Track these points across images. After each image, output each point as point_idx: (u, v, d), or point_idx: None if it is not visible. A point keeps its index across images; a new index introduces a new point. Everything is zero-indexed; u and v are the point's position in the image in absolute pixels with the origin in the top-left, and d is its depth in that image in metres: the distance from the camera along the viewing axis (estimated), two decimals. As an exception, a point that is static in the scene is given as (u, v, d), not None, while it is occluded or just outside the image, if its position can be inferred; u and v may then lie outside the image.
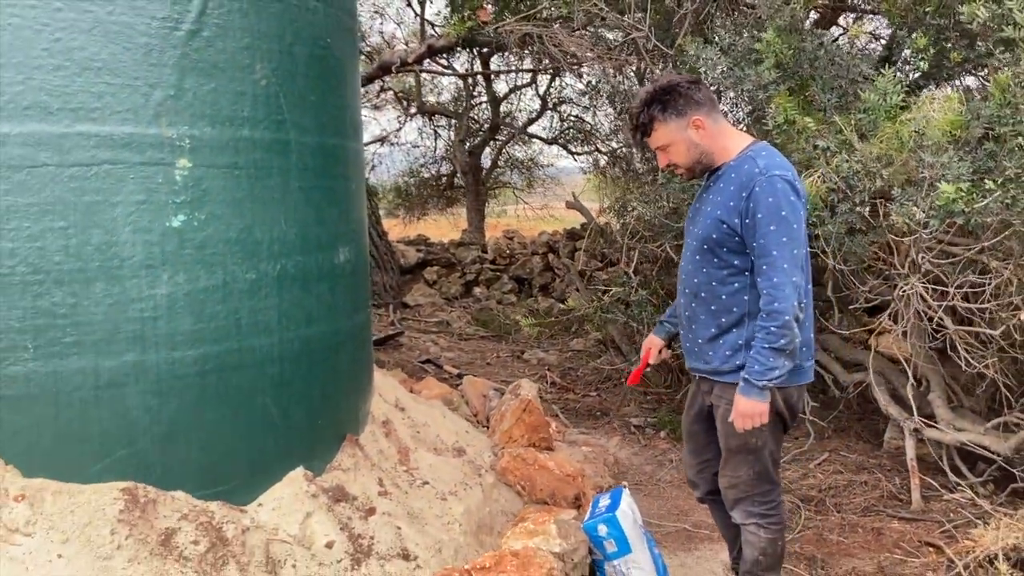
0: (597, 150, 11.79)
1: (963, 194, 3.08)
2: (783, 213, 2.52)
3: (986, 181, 3.13)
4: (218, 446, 2.75)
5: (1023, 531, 3.02)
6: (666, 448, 5.11)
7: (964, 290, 3.69)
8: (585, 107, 12.84)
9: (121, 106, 2.48)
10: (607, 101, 10.54)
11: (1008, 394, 3.94)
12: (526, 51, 5.98)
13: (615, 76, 5.74)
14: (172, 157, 2.57)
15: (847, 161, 3.49)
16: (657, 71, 5.21)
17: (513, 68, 11.63)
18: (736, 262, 2.65)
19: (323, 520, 2.88)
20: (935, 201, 3.18)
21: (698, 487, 3.12)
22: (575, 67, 6.21)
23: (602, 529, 3.07)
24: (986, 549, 3.12)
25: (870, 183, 3.48)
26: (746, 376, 2.58)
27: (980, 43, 3.55)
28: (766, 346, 2.54)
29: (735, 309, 2.67)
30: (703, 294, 2.73)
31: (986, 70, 4.15)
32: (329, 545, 2.81)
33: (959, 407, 4.42)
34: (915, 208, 3.26)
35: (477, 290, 11.33)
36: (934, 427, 4.18)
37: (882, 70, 3.80)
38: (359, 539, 2.95)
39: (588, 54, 5.25)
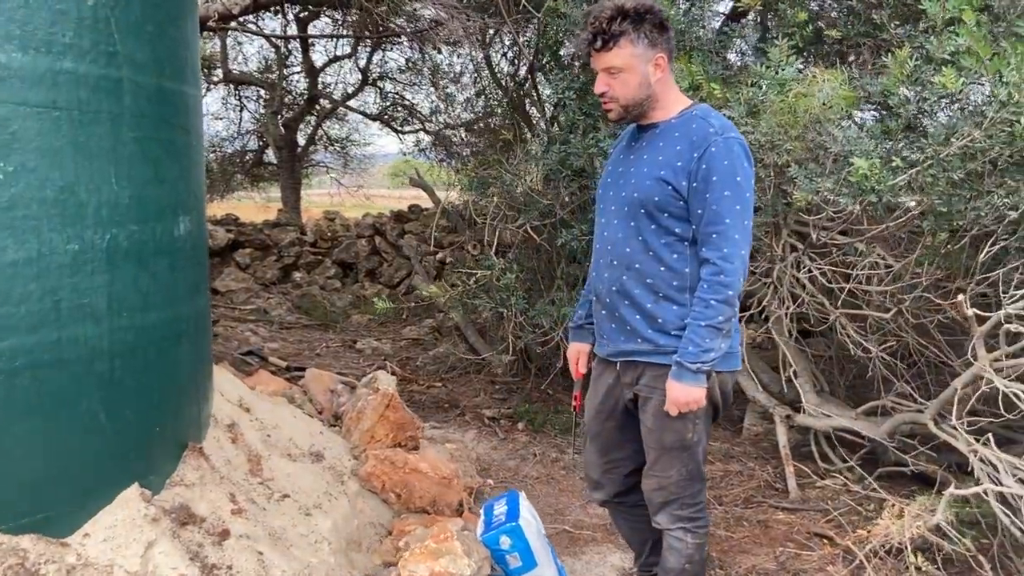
0: (423, 129, 11.32)
1: (876, 171, 2.94)
2: (738, 179, 2.26)
3: (894, 159, 3.02)
4: (31, 464, 2.14)
5: (925, 521, 2.95)
6: (527, 441, 4.80)
7: (858, 272, 3.63)
8: (405, 85, 12.35)
9: None
10: (429, 80, 10.14)
11: (893, 377, 3.92)
12: (380, 8, 5.43)
13: (475, 36, 5.32)
14: (-34, 87, 1.94)
15: (753, 132, 3.30)
16: (520, 38, 4.89)
17: (334, 34, 10.93)
18: (677, 230, 2.35)
19: (168, 550, 2.35)
20: (849, 177, 3.04)
21: (602, 488, 2.79)
22: (431, 30, 5.74)
23: (504, 541, 2.69)
24: (885, 540, 3.03)
25: (776, 157, 3.31)
26: (679, 359, 2.31)
27: (875, 16, 3.48)
28: (703, 323, 2.27)
29: (675, 283, 2.36)
30: (637, 265, 2.40)
31: (860, 48, 4.12)
32: (178, 582, 2.27)
33: (822, 392, 4.40)
34: (822, 185, 3.12)
35: (296, 275, 10.57)
36: (807, 414, 4.12)
37: (766, 45, 3.67)
38: (214, 570, 2.42)
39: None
